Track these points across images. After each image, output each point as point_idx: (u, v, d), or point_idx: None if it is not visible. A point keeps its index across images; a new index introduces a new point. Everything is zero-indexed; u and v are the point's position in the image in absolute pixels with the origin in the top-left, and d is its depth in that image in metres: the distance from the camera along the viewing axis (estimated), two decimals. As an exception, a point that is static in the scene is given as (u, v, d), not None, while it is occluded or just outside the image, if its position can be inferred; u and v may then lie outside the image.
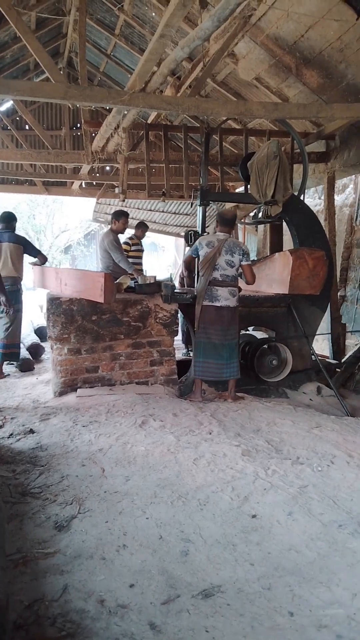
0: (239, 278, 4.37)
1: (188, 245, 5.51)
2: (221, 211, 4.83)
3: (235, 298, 4.33)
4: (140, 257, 8.15)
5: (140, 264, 8.03)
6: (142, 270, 7.80)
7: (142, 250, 8.17)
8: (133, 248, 7.95)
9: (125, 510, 2.28)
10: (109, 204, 12.22)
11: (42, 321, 8.47)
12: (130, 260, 7.41)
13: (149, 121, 6.86)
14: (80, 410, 3.75)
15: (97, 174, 9.64)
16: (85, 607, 1.64)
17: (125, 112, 5.24)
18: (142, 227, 8.12)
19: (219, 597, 1.70)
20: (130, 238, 8.12)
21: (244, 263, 4.28)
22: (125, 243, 7.83)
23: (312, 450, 3.04)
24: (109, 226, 6.56)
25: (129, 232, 7.99)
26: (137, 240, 8.06)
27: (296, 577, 1.81)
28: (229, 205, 10.06)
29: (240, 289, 4.45)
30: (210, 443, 3.11)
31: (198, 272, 5.22)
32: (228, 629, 1.56)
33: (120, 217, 6.33)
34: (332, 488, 2.53)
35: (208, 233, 5.84)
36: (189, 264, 4.44)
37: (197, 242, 4.45)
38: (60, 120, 10.96)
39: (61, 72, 10.22)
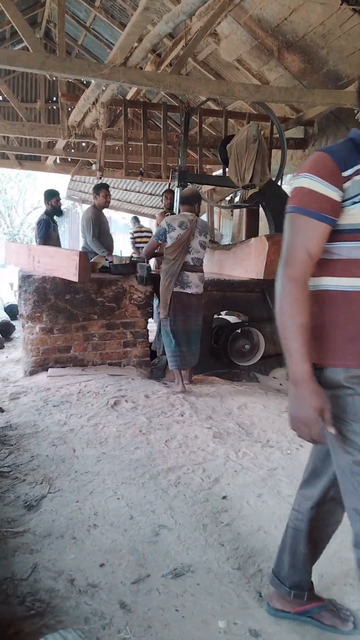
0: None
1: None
2: (183, 190, 4.63)
3: (203, 284, 4.17)
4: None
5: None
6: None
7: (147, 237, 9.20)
8: (142, 235, 9.33)
9: (96, 490, 2.27)
10: (84, 182, 12.01)
11: (12, 299, 8.32)
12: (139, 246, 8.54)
13: (128, 98, 6.72)
14: (52, 389, 3.70)
15: (73, 150, 9.43)
16: (55, 586, 1.63)
17: (105, 87, 5.12)
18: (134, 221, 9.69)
19: (189, 576, 1.72)
20: (139, 227, 9.63)
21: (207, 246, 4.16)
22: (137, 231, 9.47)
23: (282, 434, 3.08)
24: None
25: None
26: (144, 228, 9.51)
27: (265, 557, 1.84)
28: (206, 188, 10.01)
29: None
30: (182, 425, 3.12)
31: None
32: (197, 608, 1.57)
33: (100, 190, 6.18)
34: (300, 470, 2.54)
35: (164, 209, 5.72)
36: (153, 252, 4.11)
37: (162, 224, 4.10)
38: (36, 92, 10.63)
39: (39, 42, 9.91)
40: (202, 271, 4.17)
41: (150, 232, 9.47)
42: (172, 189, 8.43)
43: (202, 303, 4.21)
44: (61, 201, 6.74)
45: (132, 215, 11.29)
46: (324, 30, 5.19)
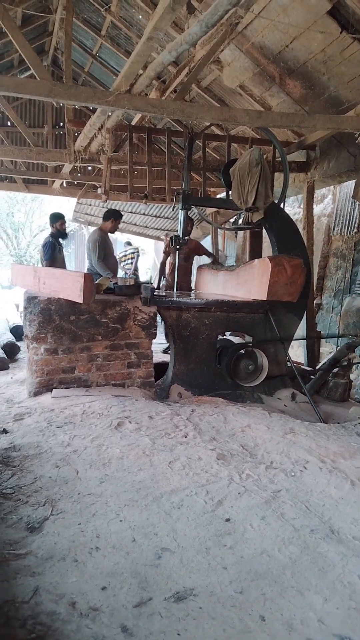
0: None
1: (166, 252, 5.57)
2: None
3: None
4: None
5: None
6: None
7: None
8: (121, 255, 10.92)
9: (98, 512, 2.27)
10: (90, 204, 12.19)
11: (18, 320, 8.38)
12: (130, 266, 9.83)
13: (133, 123, 6.86)
14: (55, 410, 3.71)
15: (79, 174, 9.60)
16: (56, 609, 1.62)
17: (110, 113, 5.23)
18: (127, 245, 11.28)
19: (192, 600, 1.70)
20: (134, 249, 11.34)
21: None
22: (133, 252, 11.31)
23: (286, 456, 3.06)
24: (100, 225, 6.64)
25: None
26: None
27: (268, 581, 1.82)
28: (210, 210, 10.15)
29: None
30: (185, 446, 3.11)
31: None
32: (200, 632, 1.56)
33: (113, 217, 6.33)
34: (304, 493, 2.56)
35: (188, 238, 5.87)
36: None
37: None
38: (43, 118, 10.87)
39: (46, 70, 10.17)
40: None
41: (134, 250, 10.68)
42: (191, 217, 8.81)
43: None
44: (66, 224, 6.95)
45: (126, 240, 12.38)
46: (324, 57, 5.31)
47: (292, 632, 1.57)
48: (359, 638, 1.55)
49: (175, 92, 6.39)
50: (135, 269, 11.21)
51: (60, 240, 6.95)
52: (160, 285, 7.44)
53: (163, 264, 7.78)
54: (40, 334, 4.17)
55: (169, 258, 7.51)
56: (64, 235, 6.98)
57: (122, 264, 10.64)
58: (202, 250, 7.90)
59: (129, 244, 11.80)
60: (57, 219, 6.91)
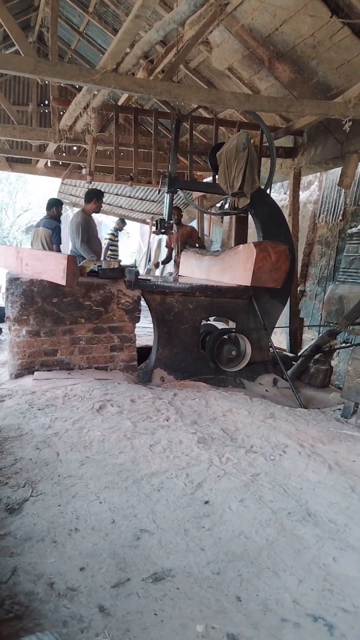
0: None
1: (156, 232, 5.54)
2: None
3: None
4: (117, 247, 11.11)
5: (117, 253, 10.98)
6: (117, 257, 10.61)
7: (117, 241, 11.16)
8: (115, 239, 11.04)
9: (78, 494, 2.27)
10: (75, 185, 12.03)
11: (1, 302, 8.29)
12: (113, 248, 9.96)
13: (120, 103, 6.75)
14: (37, 393, 3.69)
15: (64, 154, 9.47)
16: (34, 590, 1.63)
17: (96, 92, 5.14)
18: (121, 222, 11.33)
19: (169, 581, 1.72)
20: (112, 232, 11.20)
21: None
22: (111, 234, 11.12)
23: (266, 440, 3.10)
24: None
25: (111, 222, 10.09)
26: (116, 233, 11.04)
27: (245, 562, 1.85)
28: (197, 194, 10.10)
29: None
30: (166, 430, 3.12)
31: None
32: (176, 612, 1.58)
33: (94, 196, 6.32)
34: (283, 476, 2.59)
35: (173, 222, 5.84)
36: None
37: None
38: (27, 95, 10.66)
39: (31, 46, 9.93)
40: None
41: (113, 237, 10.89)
42: (179, 207, 8.95)
43: None
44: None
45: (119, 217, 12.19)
46: (314, 41, 5.26)
47: (267, 612, 1.60)
48: (332, 618, 1.59)
49: (163, 73, 6.29)
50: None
51: None
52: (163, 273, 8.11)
53: (169, 258, 8.72)
54: (22, 316, 4.13)
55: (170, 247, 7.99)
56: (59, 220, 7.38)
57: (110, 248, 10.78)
58: (194, 236, 7.94)
59: (122, 221, 11.81)
60: (60, 203, 7.43)
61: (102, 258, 9.28)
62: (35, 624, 1.48)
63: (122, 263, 4.98)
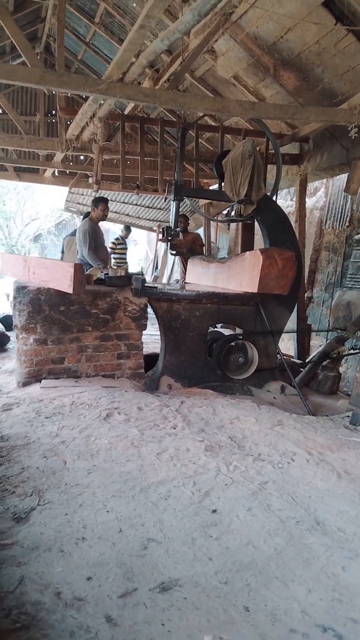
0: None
1: (163, 240, 5.56)
2: None
3: None
4: (124, 254, 11.00)
5: (125, 260, 10.90)
6: (126, 265, 10.58)
7: (126, 249, 11.06)
8: (119, 247, 10.77)
9: (85, 503, 2.27)
10: (82, 194, 12.10)
11: (7, 309, 8.33)
12: (115, 256, 9.79)
13: (126, 112, 6.80)
14: (44, 401, 3.70)
15: (71, 163, 9.54)
16: (41, 599, 1.62)
17: (102, 102, 5.18)
18: (127, 230, 11.27)
19: (176, 590, 1.71)
20: (117, 239, 11.03)
21: None
22: (112, 242, 10.79)
23: (274, 448, 3.08)
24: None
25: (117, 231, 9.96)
26: (121, 240, 10.91)
27: (253, 572, 1.84)
28: (203, 201, 10.13)
29: None
30: (174, 438, 3.11)
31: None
32: (184, 622, 1.57)
33: (99, 203, 6.31)
34: (291, 485, 2.57)
35: (179, 230, 5.86)
36: None
37: None
38: (35, 105, 10.76)
39: (38, 57, 10.04)
40: None
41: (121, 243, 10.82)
42: (186, 214, 9.02)
43: None
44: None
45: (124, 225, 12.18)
46: (319, 48, 5.28)
47: (276, 623, 1.58)
48: (342, 629, 1.57)
49: (169, 82, 6.33)
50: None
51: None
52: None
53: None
54: (29, 324, 4.15)
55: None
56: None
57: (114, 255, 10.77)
58: (197, 243, 7.97)
59: (127, 229, 11.75)
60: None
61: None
62: (43, 634, 1.48)
63: (129, 271, 4.99)
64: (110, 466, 2.66)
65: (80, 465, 2.65)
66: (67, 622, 1.53)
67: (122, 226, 12.22)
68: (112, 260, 10.62)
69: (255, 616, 1.61)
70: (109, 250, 11.00)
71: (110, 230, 17.97)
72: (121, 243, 11.02)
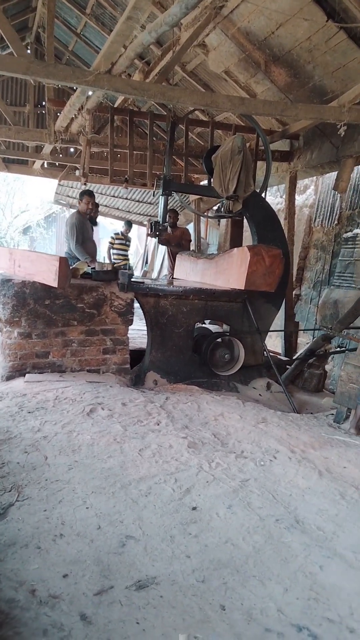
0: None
1: (151, 235, 5.53)
2: None
3: None
4: (125, 250, 10.91)
5: (125, 256, 10.85)
6: (127, 261, 10.75)
7: (125, 244, 10.92)
8: (117, 242, 10.75)
9: (65, 499, 2.25)
10: (72, 187, 12.00)
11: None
12: (114, 252, 10.67)
13: (116, 105, 6.74)
14: (28, 395, 3.67)
15: (60, 155, 9.44)
16: (15, 597, 1.60)
17: (90, 94, 5.13)
18: (128, 225, 11.07)
19: (153, 588, 1.70)
20: (116, 233, 10.98)
21: None
22: (111, 237, 10.87)
23: (257, 445, 3.08)
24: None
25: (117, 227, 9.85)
26: (121, 235, 10.85)
27: (231, 570, 1.83)
28: (193, 197, 10.10)
29: None
30: (157, 434, 3.10)
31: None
32: (159, 621, 1.55)
33: (83, 196, 6.26)
34: (272, 482, 2.57)
35: (168, 224, 5.83)
36: None
37: None
38: (25, 96, 10.64)
39: (28, 48, 9.94)
40: None
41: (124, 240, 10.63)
42: (175, 209, 8.97)
43: None
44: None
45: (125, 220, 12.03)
46: (310, 45, 5.26)
47: (251, 622, 1.58)
48: (317, 628, 1.57)
49: (159, 75, 6.28)
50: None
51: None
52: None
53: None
54: (13, 318, 4.10)
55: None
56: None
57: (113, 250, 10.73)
58: (184, 238, 7.94)
59: (129, 224, 11.56)
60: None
61: (108, 261, 9.37)
62: (15, 632, 1.46)
63: (121, 265, 4.96)
64: (91, 462, 2.64)
65: (61, 461, 2.63)
66: (41, 620, 1.51)
67: (112, 220, 12.15)
68: (113, 256, 10.56)
69: (231, 615, 1.60)
70: (107, 245, 10.97)
71: (101, 224, 17.85)
72: (120, 238, 10.84)
